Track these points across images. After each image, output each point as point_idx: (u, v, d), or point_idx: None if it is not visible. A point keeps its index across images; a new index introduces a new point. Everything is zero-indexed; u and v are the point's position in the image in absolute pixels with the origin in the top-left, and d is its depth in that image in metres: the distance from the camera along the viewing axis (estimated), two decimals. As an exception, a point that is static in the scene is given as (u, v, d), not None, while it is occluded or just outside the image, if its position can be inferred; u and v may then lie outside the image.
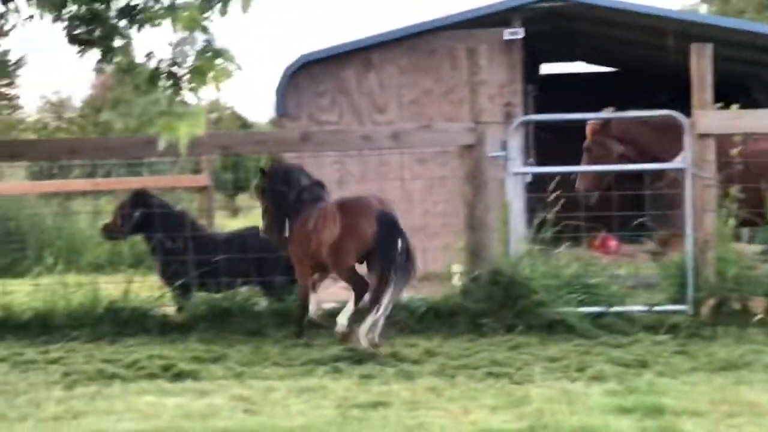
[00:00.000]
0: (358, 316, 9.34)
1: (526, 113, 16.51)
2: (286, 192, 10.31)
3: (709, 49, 10.41)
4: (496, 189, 10.93)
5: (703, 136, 10.35)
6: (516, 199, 11.03)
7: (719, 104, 10.78)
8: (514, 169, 10.86)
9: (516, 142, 11.03)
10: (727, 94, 12.03)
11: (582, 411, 6.97)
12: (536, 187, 13.00)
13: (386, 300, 9.28)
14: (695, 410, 6.91)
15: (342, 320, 9.48)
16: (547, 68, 24.18)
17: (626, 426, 6.51)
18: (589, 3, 16.12)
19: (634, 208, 12.62)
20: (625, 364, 8.52)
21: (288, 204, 10.27)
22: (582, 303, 10.25)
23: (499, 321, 10.10)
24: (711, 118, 10.41)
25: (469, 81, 10.84)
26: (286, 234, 10.22)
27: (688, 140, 10.44)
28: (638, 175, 14.09)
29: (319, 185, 10.53)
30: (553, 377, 8.13)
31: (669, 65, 17.23)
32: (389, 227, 9.58)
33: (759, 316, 9.90)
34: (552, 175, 11.68)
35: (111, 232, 12.02)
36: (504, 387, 7.88)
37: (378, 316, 9.22)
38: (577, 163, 13.62)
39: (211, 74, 6.99)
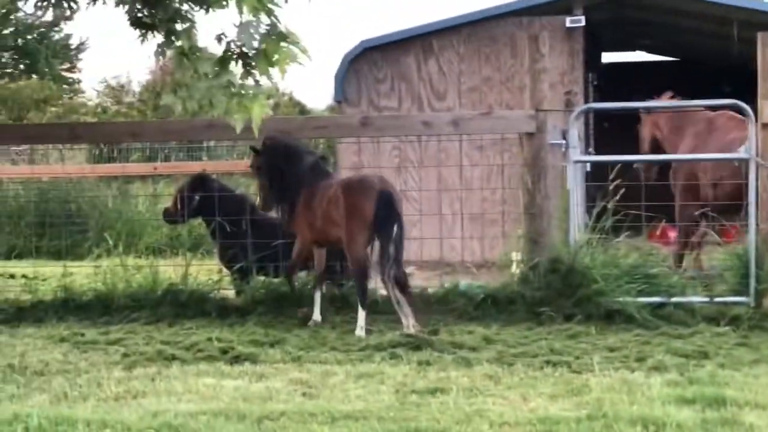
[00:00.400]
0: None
1: (587, 101, 16.41)
2: (291, 168, 10.35)
3: (775, 37, 10.29)
4: (555, 177, 10.87)
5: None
6: (576, 187, 10.96)
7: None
8: (575, 158, 10.79)
9: (576, 131, 10.96)
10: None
11: (642, 401, 6.91)
12: (594, 175, 12.92)
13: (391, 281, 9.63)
14: (758, 402, 6.82)
15: (360, 332, 9.66)
16: (608, 57, 24.01)
17: (687, 417, 6.44)
18: (652, -9, 16.00)
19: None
20: (686, 354, 8.44)
21: (293, 180, 10.30)
22: (641, 293, 10.17)
23: (558, 309, 10.05)
24: (776, 107, 10.28)
25: (530, 68, 10.79)
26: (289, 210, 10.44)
27: (752, 130, 10.32)
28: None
29: (324, 159, 10.58)
30: (612, 367, 8.06)
31: (733, 55, 17.06)
32: (387, 206, 9.69)
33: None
34: (612, 164, 11.58)
35: (171, 216, 12.06)
36: (562, 375, 7.83)
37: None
38: (636, 152, 13.52)
39: (276, 57, 6.97)
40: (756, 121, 10.29)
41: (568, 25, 15.88)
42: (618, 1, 16.98)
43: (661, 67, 24.11)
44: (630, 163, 11.88)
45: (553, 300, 10.16)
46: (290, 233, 10.69)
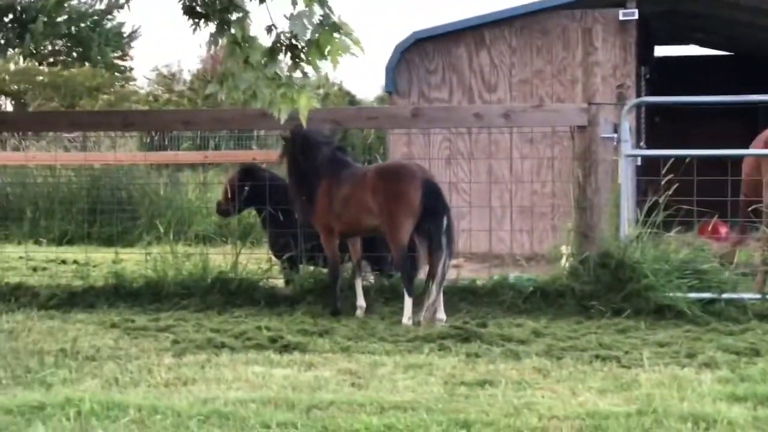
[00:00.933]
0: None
1: (639, 95, 16.32)
2: (306, 159, 10.44)
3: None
4: (606, 171, 10.81)
5: (823, 122, 10.13)
6: (627, 181, 10.90)
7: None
8: (627, 151, 10.74)
9: (628, 124, 10.90)
10: None
11: (692, 397, 6.86)
12: (645, 170, 12.84)
13: (440, 274, 9.58)
14: (810, 401, 6.77)
15: (405, 319, 9.69)
16: (661, 50, 23.85)
17: (739, 414, 6.39)
18: (707, -15, 15.87)
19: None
20: (737, 351, 8.36)
21: (309, 171, 10.34)
22: (692, 288, 10.11)
23: (607, 304, 10.02)
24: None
25: (583, 61, 10.76)
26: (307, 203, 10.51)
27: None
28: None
29: (342, 149, 10.59)
30: (662, 362, 8.00)
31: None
32: (435, 195, 9.73)
33: None
34: (664, 159, 11.50)
35: (223, 208, 12.09)
36: (612, 370, 7.79)
37: (435, 294, 9.59)
38: (689, 146, 13.40)
39: (328, 48, 6.98)
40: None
41: (621, 18, 15.81)
42: (674, -7, 16.91)
43: (715, 62, 23.92)
44: (682, 158, 11.76)
45: (603, 294, 10.13)
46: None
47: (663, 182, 11.00)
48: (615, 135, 10.69)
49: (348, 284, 10.68)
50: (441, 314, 9.73)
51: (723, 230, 16.49)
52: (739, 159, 12.20)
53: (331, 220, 10.31)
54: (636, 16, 15.82)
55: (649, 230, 10.59)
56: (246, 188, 11.72)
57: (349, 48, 7.01)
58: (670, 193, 10.78)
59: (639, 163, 13.22)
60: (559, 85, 16.04)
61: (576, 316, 9.96)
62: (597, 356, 8.21)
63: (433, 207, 9.71)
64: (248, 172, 11.86)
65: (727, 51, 24.09)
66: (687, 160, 11.06)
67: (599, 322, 9.64)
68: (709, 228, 16.16)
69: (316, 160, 10.39)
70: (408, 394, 6.98)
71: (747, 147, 11.92)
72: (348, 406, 6.63)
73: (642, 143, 16.66)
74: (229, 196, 11.82)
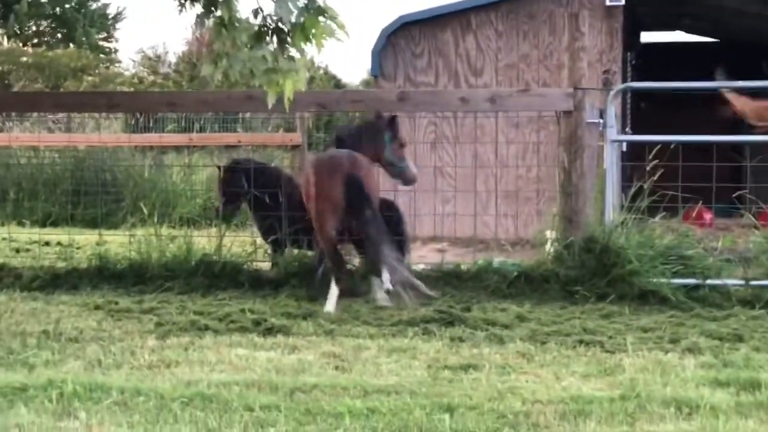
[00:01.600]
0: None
1: (625, 81, 16.32)
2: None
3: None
4: (591, 156, 10.82)
5: (810, 108, 10.14)
6: (612, 166, 10.90)
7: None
8: (612, 137, 10.74)
9: (614, 110, 10.90)
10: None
11: (675, 383, 6.87)
12: (630, 155, 12.85)
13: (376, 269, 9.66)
14: (794, 388, 6.79)
15: (329, 307, 9.58)
16: (647, 37, 23.86)
17: (721, 399, 6.40)
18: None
19: (733, 181, 12.42)
20: (720, 337, 8.38)
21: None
22: (676, 274, 10.11)
23: (591, 289, 10.02)
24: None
25: (569, 46, 10.73)
26: None
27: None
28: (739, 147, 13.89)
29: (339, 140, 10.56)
30: (645, 347, 8.01)
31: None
32: (357, 190, 9.68)
33: None
34: (649, 144, 11.50)
35: (225, 213, 11.91)
36: (595, 355, 7.80)
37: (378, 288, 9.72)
38: (674, 132, 13.37)
39: (312, 32, 6.96)
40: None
41: (607, 3, 15.80)
42: (659, -20, 16.90)
43: (701, 48, 23.93)
44: (667, 144, 11.75)
45: (587, 279, 10.13)
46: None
47: (648, 168, 10.99)
48: (601, 120, 10.68)
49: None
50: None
51: (708, 216, 16.54)
52: (723, 145, 12.21)
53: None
54: (623, 2, 15.82)
55: (633, 216, 10.58)
56: (238, 188, 11.60)
57: (334, 32, 6.99)
58: (655, 178, 10.77)
59: (624, 148, 13.23)
60: (545, 70, 16.04)
61: (560, 301, 9.96)
62: (581, 341, 8.22)
63: (355, 202, 9.66)
64: (234, 172, 11.73)
65: (713, 38, 24.09)
66: (672, 145, 11.06)
67: (583, 307, 9.64)
68: (694, 214, 16.21)
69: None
70: (392, 378, 6.99)
71: (732, 134, 11.94)
72: (331, 390, 6.63)
73: (628, 129, 16.66)
74: (225, 200, 11.69)
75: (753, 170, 13.75)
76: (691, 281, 10.07)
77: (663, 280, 9.98)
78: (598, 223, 10.54)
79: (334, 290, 9.66)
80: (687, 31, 24.01)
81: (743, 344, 8.15)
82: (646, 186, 10.70)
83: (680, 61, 21.03)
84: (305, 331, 8.57)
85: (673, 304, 9.75)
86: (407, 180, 10.67)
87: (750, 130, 12.12)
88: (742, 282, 10.19)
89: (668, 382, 6.89)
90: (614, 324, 8.96)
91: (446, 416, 6.05)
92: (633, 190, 10.71)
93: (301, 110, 12.85)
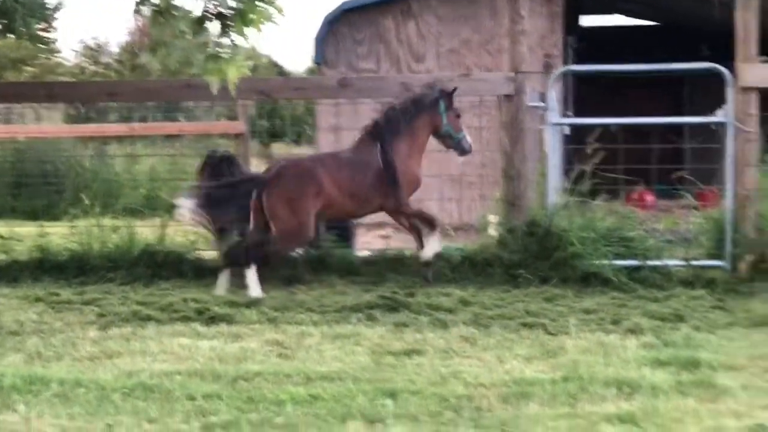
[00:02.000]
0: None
1: (566, 65, 16.37)
2: None
3: (754, 1, 10.25)
4: (533, 140, 10.85)
5: (746, 90, 10.22)
6: (554, 150, 10.93)
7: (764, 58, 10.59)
8: (553, 120, 10.77)
9: (555, 93, 10.93)
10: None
11: (617, 363, 6.92)
12: (572, 139, 12.89)
13: None
14: (732, 365, 6.86)
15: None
16: (588, 20, 23.96)
17: (662, 379, 6.46)
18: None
19: (673, 162, 12.50)
20: (662, 317, 8.46)
21: None
22: (618, 256, 10.17)
23: (534, 272, 10.05)
24: (755, 71, 10.26)
25: (509, 30, 10.74)
26: None
27: (730, 94, 10.30)
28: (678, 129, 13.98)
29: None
30: (588, 329, 8.08)
31: (713, 19, 17.02)
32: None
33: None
34: (591, 127, 11.55)
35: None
36: (538, 337, 7.85)
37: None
38: (615, 115, 13.43)
39: (251, 17, 6.94)
40: (734, 84, 10.27)
41: (548, -13, 15.85)
42: (598, -37, 16.97)
43: (641, 32, 24.08)
44: (609, 127, 11.79)
45: (530, 263, 10.16)
46: None
47: (589, 151, 11.03)
48: (542, 104, 10.71)
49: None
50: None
51: (649, 198, 16.69)
52: (663, 128, 12.30)
53: None
54: (563, -14, 15.87)
55: (575, 199, 10.63)
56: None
57: (271, 16, 6.97)
58: (596, 161, 10.81)
59: (567, 132, 13.27)
60: (487, 55, 16.05)
61: (504, 284, 9.99)
62: (524, 324, 8.27)
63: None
64: (215, 162, 11.60)
65: (652, 20, 24.25)
66: (613, 128, 11.13)
67: (527, 291, 9.68)
68: (636, 196, 16.35)
69: None
70: (335, 364, 6.98)
71: (673, 116, 12.02)
72: (274, 377, 6.62)
73: (569, 112, 16.71)
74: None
75: (692, 152, 13.85)
76: (633, 263, 10.14)
77: (605, 262, 10.04)
78: (541, 207, 10.57)
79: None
80: (627, 15, 24.13)
81: (684, 324, 8.24)
82: (587, 169, 10.74)
83: (621, 45, 21.16)
84: (248, 320, 8.54)
85: (615, 285, 9.81)
86: (464, 150, 10.61)
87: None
88: (682, 262, 10.26)
89: (610, 363, 6.95)
90: (557, 306, 9.01)
91: (389, 401, 6.06)
92: (575, 173, 10.73)
93: (243, 98, 12.78)
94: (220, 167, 11.17)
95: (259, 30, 6.99)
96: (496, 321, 8.39)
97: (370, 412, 5.85)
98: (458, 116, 10.54)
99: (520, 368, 6.87)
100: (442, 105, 10.38)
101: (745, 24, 10.23)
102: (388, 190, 10.12)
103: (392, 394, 6.18)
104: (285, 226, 9.81)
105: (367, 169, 10.13)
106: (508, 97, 10.65)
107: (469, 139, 10.52)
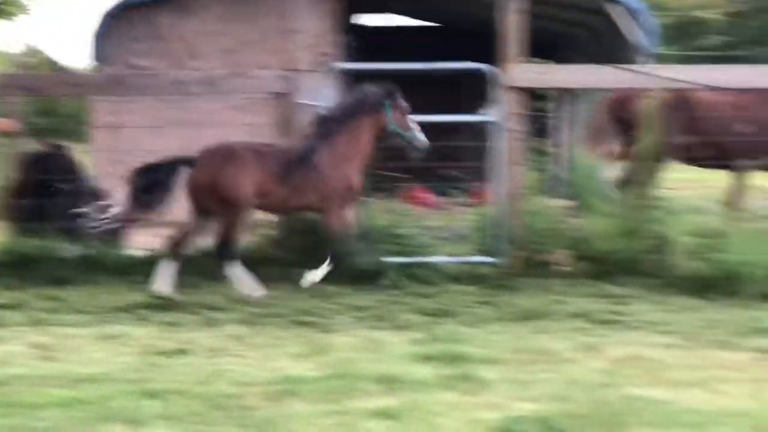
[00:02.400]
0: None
1: (344, 63, 16.47)
2: None
3: (518, 3, 10.51)
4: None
5: (513, 89, 10.48)
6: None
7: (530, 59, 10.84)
8: (326, 118, 10.79)
9: (329, 91, 10.98)
10: (542, 51, 12.14)
11: (385, 359, 7.00)
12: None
13: None
14: (495, 358, 7.02)
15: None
16: (366, 20, 24.19)
17: (426, 373, 6.57)
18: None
19: (449, 161, 12.70)
20: (431, 313, 8.62)
21: None
22: (392, 253, 10.29)
23: (310, 270, 10.06)
24: (520, 71, 10.53)
25: (283, 29, 10.74)
26: None
27: (497, 93, 10.55)
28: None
29: None
30: (359, 326, 8.17)
31: (486, 20, 17.41)
32: None
33: (564, 269, 10.08)
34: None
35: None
36: (309, 335, 7.88)
37: None
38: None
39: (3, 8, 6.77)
40: (501, 84, 10.51)
41: (322, -14, 15.87)
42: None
43: (421, 32, 24.44)
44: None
45: (307, 261, 10.17)
46: None
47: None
48: (314, 102, 10.74)
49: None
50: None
51: (428, 196, 16.97)
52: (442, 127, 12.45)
53: None
54: (338, -15, 15.93)
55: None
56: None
57: (26, 7, 6.81)
58: (374, 160, 10.90)
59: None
60: (265, 53, 15.98)
61: (278, 282, 9.97)
62: (296, 322, 8.32)
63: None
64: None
65: (428, 21, 24.65)
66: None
67: (302, 289, 9.69)
68: (416, 194, 16.59)
69: None
70: (100, 366, 6.87)
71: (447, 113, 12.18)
72: (36, 380, 6.46)
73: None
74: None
75: (469, 150, 14.13)
76: (406, 260, 10.27)
77: (381, 259, 10.13)
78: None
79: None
80: (402, 14, 24.44)
81: (452, 319, 8.41)
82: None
83: (400, 45, 21.42)
84: (13, 322, 8.33)
85: (388, 282, 9.91)
86: (416, 149, 10.20)
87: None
88: (454, 259, 10.45)
89: (378, 359, 7.03)
90: (331, 304, 9.07)
91: (153, 402, 5.99)
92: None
93: (9, 94, 12.41)
94: (45, 162, 10.90)
95: (12, 19, 6.82)
96: (268, 319, 8.40)
97: (133, 414, 5.76)
98: (405, 114, 10.24)
99: (287, 366, 6.88)
100: (386, 104, 10.20)
101: (510, 25, 10.48)
102: (317, 190, 9.87)
103: (157, 395, 6.10)
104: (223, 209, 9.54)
105: (297, 164, 9.77)
106: (280, 95, 10.65)
107: (420, 136, 10.28)
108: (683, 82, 10.44)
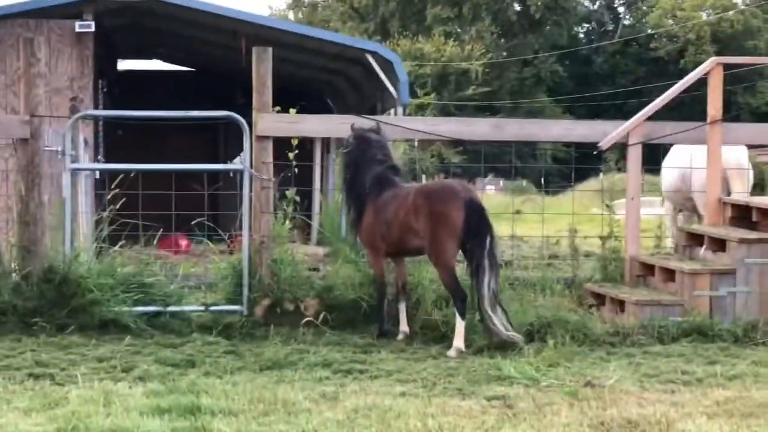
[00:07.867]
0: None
1: (98, 108, 16.25)
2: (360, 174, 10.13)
3: (269, 52, 10.55)
4: (54, 185, 10.63)
5: (262, 138, 10.51)
6: (82, 195, 10.76)
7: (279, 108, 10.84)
8: (70, 165, 10.58)
9: (76, 137, 10.77)
10: (304, 99, 12.21)
11: (118, 412, 6.85)
12: (107, 184, 12.75)
13: (487, 295, 9.25)
14: (231, 409, 6.96)
15: (458, 343, 9.28)
16: (128, 65, 23.92)
17: (157, 426, 6.46)
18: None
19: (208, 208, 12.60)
20: (174, 364, 8.50)
21: (360, 187, 10.13)
22: (138, 302, 10.12)
23: (51, 320, 9.83)
24: (270, 120, 10.57)
25: (25, 72, 10.48)
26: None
27: (247, 142, 10.54)
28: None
29: (393, 168, 10.20)
30: (97, 378, 7.98)
31: (244, 68, 17.48)
32: (478, 215, 9.47)
33: (308, 318, 10.10)
34: (116, 173, 11.47)
35: None
36: (43, 388, 7.65)
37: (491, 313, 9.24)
38: (155, 160, 13.28)
39: None
40: (251, 133, 10.52)
41: (77, 29, 15.56)
42: (132, 8, 16.89)
43: (181, 77, 24.33)
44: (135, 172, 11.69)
45: (47, 310, 9.91)
46: None
47: (109, 196, 10.95)
48: (59, 148, 10.51)
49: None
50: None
51: (184, 242, 16.79)
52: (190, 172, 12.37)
53: (377, 240, 9.90)
54: (93, 29, 15.64)
55: (98, 245, 10.49)
56: None
57: None
58: (116, 207, 10.73)
59: (98, 176, 13.12)
60: (14, 96, 15.53)
61: (17, 333, 9.66)
62: (31, 374, 8.08)
63: (476, 227, 9.37)
64: None
65: (192, 67, 24.58)
66: (132, 174, 11.08)
67: (40, 340, 9.42)
68: (169, 241, 16.37)
69: (366, 176, 10.02)
70: None
71: (211, 161, 12.16)
72: None
73: (100, 157, 16.56)
74: None
75: (223, 197, 14.08)
76: (152, 308, 10.12)
77: (124, 308, 9.97)
78: (59, 253, 10.32)
79: (460, 325, 9.30)
80: (164, 60, 24.30)
81: (194, 369, 8.33)
82: (106, 214, 10.65)
83: (161, 90, 21.29)
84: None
85: (133, 332, 9.75)
86: None
87: None
88: (202, 308, 10.35)
89: (111, 412, 6.88)
90: (70, 355, 8.85)
91: None
92: (95, 218, 10.60)
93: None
94: None
95: None
96: (1, 373, 8.10)
97: None
98: None
99: (15, 421, 6.65)
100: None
101: (261, 74, 10.51)
102: None
103: None
104: None
105: None
106: (23, 140, 10.35)
107: None
108: (422, 132, 10.78)
